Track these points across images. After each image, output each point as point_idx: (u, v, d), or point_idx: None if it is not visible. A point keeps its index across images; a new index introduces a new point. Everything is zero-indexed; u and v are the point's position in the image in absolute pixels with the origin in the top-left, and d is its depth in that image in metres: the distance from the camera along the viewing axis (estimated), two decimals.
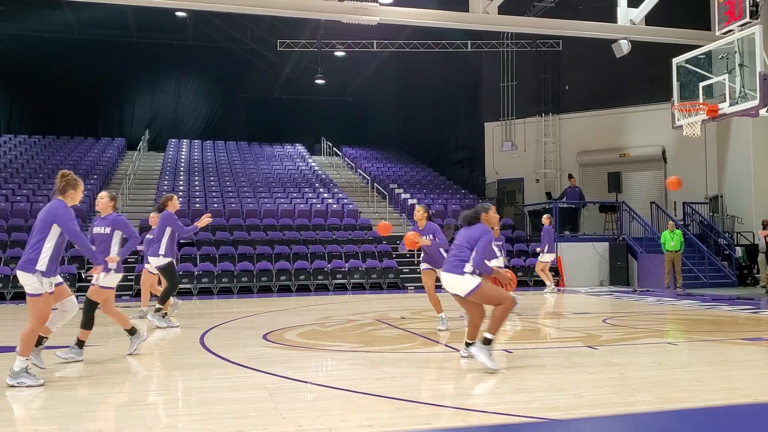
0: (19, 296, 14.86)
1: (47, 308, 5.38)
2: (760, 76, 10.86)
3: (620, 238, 18.80)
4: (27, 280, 5.25)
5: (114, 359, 6.77)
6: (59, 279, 5.63)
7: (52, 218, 5.26)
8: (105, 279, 6.46)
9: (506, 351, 6.99)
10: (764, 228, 16.28)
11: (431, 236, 8.25)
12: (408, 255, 18.84)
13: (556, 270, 18.52)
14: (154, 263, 9.04)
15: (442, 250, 8.25)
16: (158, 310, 9.05)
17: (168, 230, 8.83)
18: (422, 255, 8.71)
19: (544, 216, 15.77)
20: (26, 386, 5.17)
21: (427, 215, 8.42)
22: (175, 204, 9.03)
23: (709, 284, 16.80)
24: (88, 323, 6.48)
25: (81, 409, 4.64)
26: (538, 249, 15.50)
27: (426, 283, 8.48)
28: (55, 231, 5.28)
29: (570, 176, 21.17)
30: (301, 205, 20.75)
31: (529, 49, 23.42)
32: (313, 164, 27.62)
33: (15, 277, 14.84)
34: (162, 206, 9.07)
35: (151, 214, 10.11)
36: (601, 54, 18.63)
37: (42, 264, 5.22)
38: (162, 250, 8.86)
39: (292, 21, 24.52)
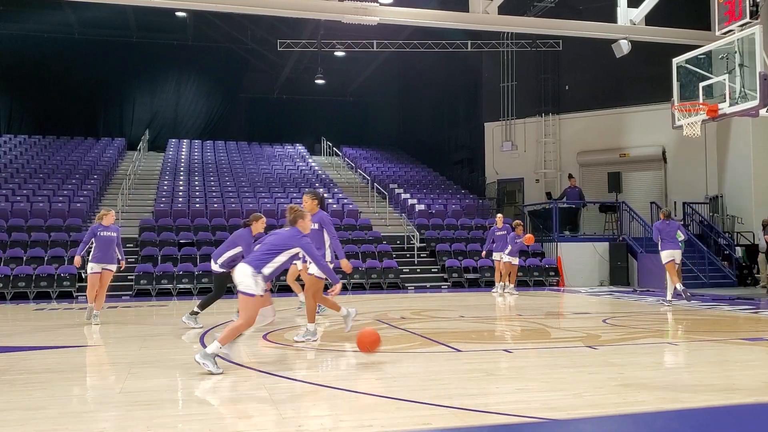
0: (19, 296, 14.86)
1: (256, 311, 5.82)
2: (760, 76, 10.86)
3: (620, 238, 18.81)
4: (245, 279, 5.75)
5: (113, 359, 6.76)
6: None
7: (294, 243, 5.99)
8: None
9: (506, 351, 6.99)
10: (765, 228, 16.25)
11: (317, 225, 7.57)
12: (408, 255, 18.84)
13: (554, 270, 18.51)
14: (212, 268, 9.01)
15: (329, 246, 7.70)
16: (194, 312, 9.19)
17: (238, 249, 8.72)
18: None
19: (498, 216, 15.90)
20: (207, 371, 5.57)
21: (317, 202, 7.72)
22: (259, 226, 8.92)
23: (709, 284, 16.81)
24: None
25: (81, 409, 4.64)
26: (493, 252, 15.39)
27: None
28: (290, 252, 5.97)
29: (570, 176, 21.18)
30: (302, 205, 20.72)
31: (529, 49, 23.43)
32: (313, 164, 27.63)
33: (15, 276, 14.95)
34: (247, 223, 8.94)
35: (111, 212, 9.99)
36: (601, 54, 18.63)
37: (268, 269, 5.85)
38: (221, 260, 8.88)
39: (292, 21, 24.52)
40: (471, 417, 4.25)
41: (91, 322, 9.53)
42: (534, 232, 20.52)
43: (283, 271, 6.59)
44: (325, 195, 22.52)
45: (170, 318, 10.56)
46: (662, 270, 16.37)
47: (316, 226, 7.54)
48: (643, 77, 20.59)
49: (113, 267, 9.82)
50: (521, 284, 17.11)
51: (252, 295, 5.74)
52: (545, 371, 5.78)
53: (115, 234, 9.75)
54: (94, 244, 9.63)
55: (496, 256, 15.25)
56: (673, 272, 11.92)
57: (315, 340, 7.59)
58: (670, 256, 11.95)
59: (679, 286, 11.77)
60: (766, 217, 16.45)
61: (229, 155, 28.17)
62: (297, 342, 7.57)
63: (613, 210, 19.93)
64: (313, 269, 7.56)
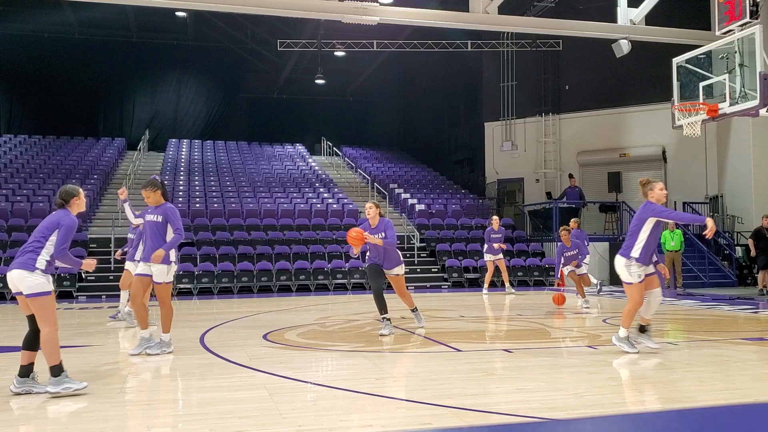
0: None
1: (639, 295, 6.39)
2: (760, 76, 10.87)
3: (620, 238, 18.79)
4: (620, 270, 6.45)
5: (114, 359, 6.76)
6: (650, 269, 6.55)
7: (648, 213, 6.45)
8: None
9: (506, 351, 6.99)
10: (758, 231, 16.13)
11: (160, 218, 6.74)
12: (408, 255, 18.84)
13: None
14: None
15: None
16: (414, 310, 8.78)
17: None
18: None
19: (494, 219, 15.53)
20: (624, 351, 6.36)
21: (161, 193, 6.82)
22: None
23: (709, 284, 16.81)
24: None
25: (81, 409, 4.64)
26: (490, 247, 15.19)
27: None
28: (650, 223, 6.47)
29: (570, 176, 21.17)
30: (301, 205, 20.74)
31: (529, 49, 23.42)
32: (313, 164, 27.62)
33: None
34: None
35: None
36: (601, 54, 18.63)
37: (636, 252, 6.35)
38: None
39: (292, 21, 24.52)
40: (471, 417, 4.25)
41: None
42: (534, 231, 20.53)
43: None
44: (326, 195, 22.52)
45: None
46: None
47: (160, 218, 6.70)
48: (643, 77, 20.59)
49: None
50: (521, 284, 17.10)
51: (629, 284, 6.38)
52: (545, 371, 5.78)
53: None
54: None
55: (488, 257, 15.17)
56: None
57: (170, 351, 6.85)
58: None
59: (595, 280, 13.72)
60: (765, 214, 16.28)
61: (229, 155, 28.16)
62: (150, 354, 6.70)
63: (613, 210, 19.93)
64: (140, 269, 6.80)
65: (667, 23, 16.23)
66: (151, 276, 6.76)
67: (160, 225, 6.70)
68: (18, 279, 4.95)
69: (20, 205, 18.57)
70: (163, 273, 6.73)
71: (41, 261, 4.97)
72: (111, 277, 15.42)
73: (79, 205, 5.26)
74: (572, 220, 13.38)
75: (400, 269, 8.37)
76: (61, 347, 7.05)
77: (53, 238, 5.03)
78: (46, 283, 5.00)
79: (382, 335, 7.93)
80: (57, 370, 4.92)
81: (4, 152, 24.60)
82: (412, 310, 8.66)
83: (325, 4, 14.76)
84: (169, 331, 6.88)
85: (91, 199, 20.19)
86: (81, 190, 5.35)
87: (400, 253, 8.45)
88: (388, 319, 8.07)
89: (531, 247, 19.35)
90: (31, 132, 28.20)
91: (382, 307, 8.05)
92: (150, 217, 6.77)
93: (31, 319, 5.11)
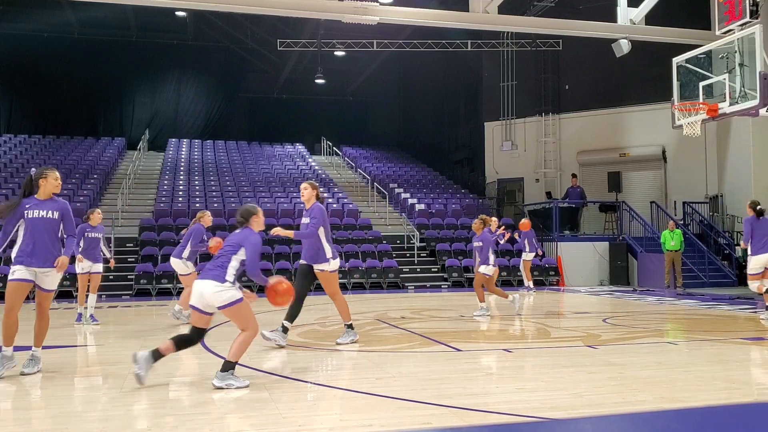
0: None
1: None
2: (760, 76, 10.87)
3: (620, 238, 18.81)
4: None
5: (114, 359, 6.76)
6: None
7: None
8: None
9: (506, 351, 6.99)
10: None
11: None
12: (408, 255, 18.82)
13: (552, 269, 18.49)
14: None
15: None
16: None
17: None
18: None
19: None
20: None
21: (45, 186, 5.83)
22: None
23: (709, 284, 16.80)
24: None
25: (81, 409, 4.64)
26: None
27: None
28: None
29: (573, 176, 21.18)
30: (301, 205, 20.70)
31: (529, 49, 23.42)
32: (313, 164, 27.63)
33: None
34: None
35: (96, 211, 10.12)
36: (601, 54, 18.63)
37: None
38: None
39: (292, 21, 24.53)
40: (471, 416, 4.25)
41: (83, 324, 9.56)
42: (534, 231, 20.48)
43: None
44: (325, 195, 22.52)
45: (170, 318, 10.55)
46: (662, 269, 16.56)
47: (55, 215, 5.81)
48: (643, 77, 20.60)
49: (100, 267, 10.00)
50: (521, 284, 17.07)
51: None
52: (545, 371, 5.78)
53: (100, 234, 9.95)
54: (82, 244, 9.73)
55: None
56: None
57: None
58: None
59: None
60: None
61: (229, 155, 28.17)
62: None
63: (613, 210, 19.94)
64: (20, 273, 5.64)
65: (667, 23, 16.22)
66: (33, 281, 5.68)
67: (55, 222, 5.78)
68: (209, 289, 5.11)
69: None
70: (57, 280, 5.86)
71: (230, 275, 5.17)
72: (111, 277, 15.41)
73: (259, 223, 5.44)
74: (485, 217, 10.70)
75: (326, 265, 7.16)
76: (61, 347, 7.07)
77: (240, 255, 5.24)
78: (237, 292, 5.18)
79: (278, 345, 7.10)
80: (229, 366, 5.14)
81: (4, 152, 24.61)
82: (346, 325, 7.44)
83: (325, 4, 14.76)
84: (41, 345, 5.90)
85: (90, 198, 20.20)
86: (259, 209, 5.51)
87: (329, 248, 7.12)
88: (286, 329, 7.15)
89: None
90: (31, 132, 28.21)
91: (292, 315, 7.20)
92: (39, 213, 5.71)
93: (194, 330, 5.31)
